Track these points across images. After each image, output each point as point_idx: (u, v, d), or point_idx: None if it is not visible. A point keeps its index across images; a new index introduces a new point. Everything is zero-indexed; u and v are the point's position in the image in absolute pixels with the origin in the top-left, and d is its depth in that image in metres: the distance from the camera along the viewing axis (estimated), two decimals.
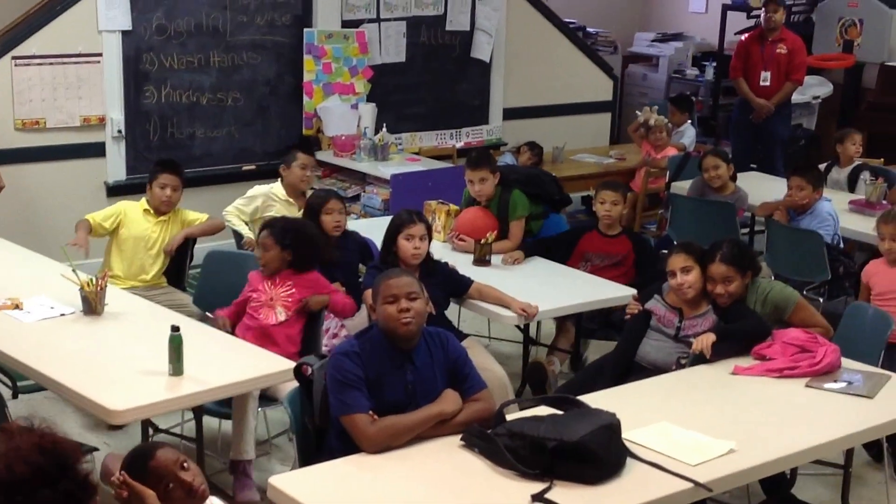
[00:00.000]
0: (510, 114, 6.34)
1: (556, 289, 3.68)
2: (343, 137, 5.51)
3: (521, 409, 2.62)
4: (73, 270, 3.18)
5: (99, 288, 3.15)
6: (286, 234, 3.32)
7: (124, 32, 5.08)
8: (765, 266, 4.43)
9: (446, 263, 3.55)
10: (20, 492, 0.97)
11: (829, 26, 7.01)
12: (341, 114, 5.62)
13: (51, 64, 4.93)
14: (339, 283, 3.50)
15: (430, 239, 3.46)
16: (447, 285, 3.46)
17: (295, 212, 4.13)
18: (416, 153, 5.76)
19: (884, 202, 4.65)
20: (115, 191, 5.13)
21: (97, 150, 5.14)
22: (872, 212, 4.46)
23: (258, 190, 4.27)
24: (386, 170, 5.24)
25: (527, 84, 6.38)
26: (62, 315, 3.16)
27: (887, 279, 3.60)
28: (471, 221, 4.05)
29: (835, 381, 2.85)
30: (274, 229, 3.34)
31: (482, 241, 3.88)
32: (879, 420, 2.70)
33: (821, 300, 4.24)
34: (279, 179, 4.27)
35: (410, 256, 3.36)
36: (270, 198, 4.21)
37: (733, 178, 4.85)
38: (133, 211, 3.90)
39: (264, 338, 3.20)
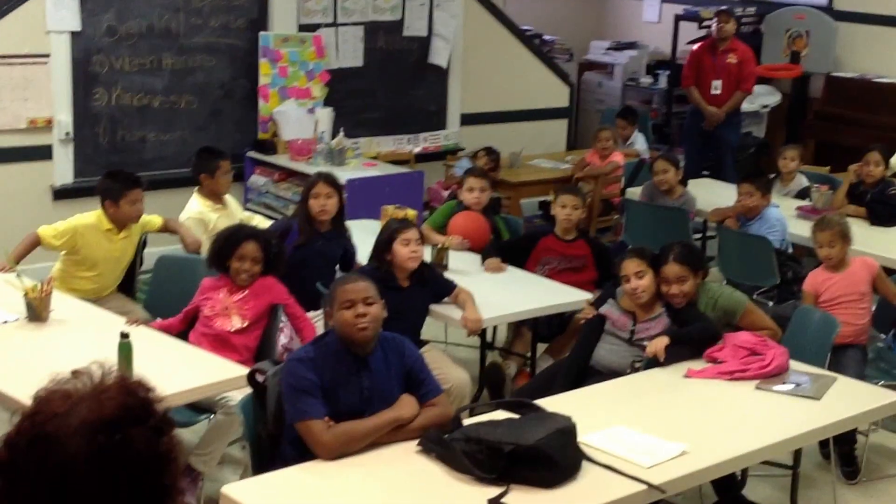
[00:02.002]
0: (467, 119, 6.36)
1: (512, 293, 3.69)
2: (299, 142, 5.47)
3: (478, 414, 2.63)
4: (18, 276, 3.09)
5: (44, 294, 3.07)
6: (271, 249, 3.28)
7: (73, 33, 4.98)
8: (716, 271, 4.51)
9: (434, 267, 3.55)
10: (116, 430, 1.03)
11: (777, 37, 7.18)
12: (298, 118, 5.58)
13: None
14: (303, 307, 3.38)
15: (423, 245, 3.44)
16: (435, 293, 3.45)
17: (228, 214, 4.06)
18: (374, 158, 5.74)
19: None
20: (62, 194, 5.02)
21: (44, 153, 5.02)
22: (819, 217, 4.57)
23: (194, 213, 4.03)
24: (343, 174, 5.19)
25: (484, 90, 6.40)
26: (5, 322, 3.07)
27: (833, 285, 3.68)
28: (463, 224, 4.10)
29: (783, 383, 2.91)
30: (262, 243, 3.25)
31: (439, 246, 3.89)
32: (826, 421, 2.76)
33: (770, 304, 4.33)
34: (196, 189, 4.09)
35: (408, 260, 3.35)
36: (206, 214, 4.03)
37: (683, 183, 4.96)
38: (92, 234, 3.65)
39: (221, 345, 3.15)
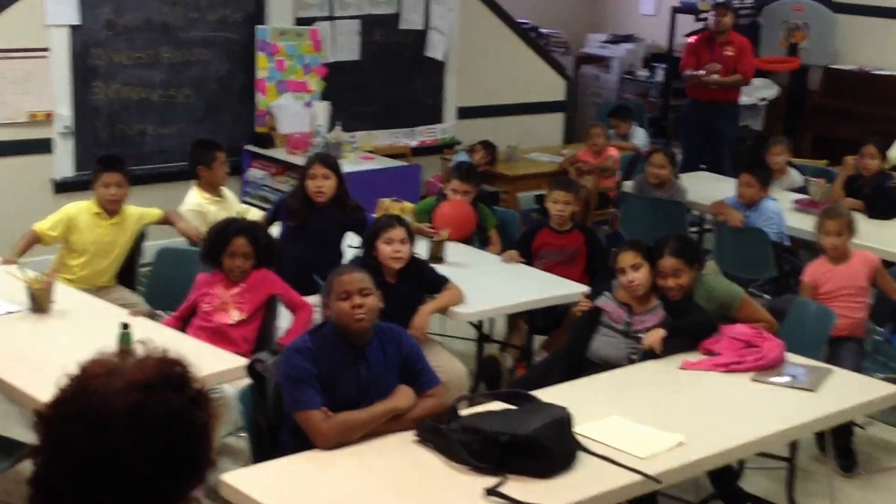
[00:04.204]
0: (464, 113, 6.36)
1: (507, 286, 3.70)
2: (297, 135, 5.48)
3: (475, 405, 2.64)
4: (20, 267, 3.11)
5: (46, 285, 3.09)
6: (260, 241, 3.30)
7: (72, 27, 4.98)
8: (713, 263, 4.53)
9: (425, 263, 3.55)
10: (153, 390, 1.10)
11: (775, 29, 7.18)
12: (295, 111, 5.59)
13: None
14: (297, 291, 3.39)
15: (413, 242, 3.42)
16: (425, 290, 3.43)
17: (227, 206, 4.07)
18: (371, 152, 5.76)
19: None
20: (63, 188, 5.03)
21: (44, 147, 5.03)
22: (816, 210, 4.58)
23: (193, 206, 4.05)
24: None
25: (481, 83, 6.41)
26: (8, 313, 3.08)
27: (833, 278, 3.68)
28: (448, 214, 4.11)
29: (779, 375, 2.92)
30: (250, 237, 3.27)
31: (436, 238, 3.90)
32: (822, 413, 2.77)
33: (767, 297, 4.35)
34: (195, 182, 4.11)
35: (391, 260, 3.33)
36: (205, 207, 4.05)
37: (675, 175, 4.98)
38: (83, 215, 3.73)
39: (220, 338, 3.17)
